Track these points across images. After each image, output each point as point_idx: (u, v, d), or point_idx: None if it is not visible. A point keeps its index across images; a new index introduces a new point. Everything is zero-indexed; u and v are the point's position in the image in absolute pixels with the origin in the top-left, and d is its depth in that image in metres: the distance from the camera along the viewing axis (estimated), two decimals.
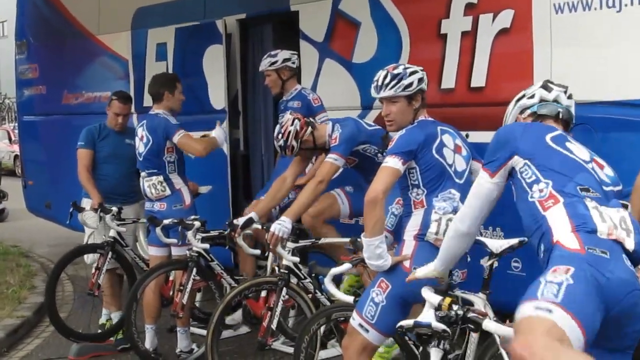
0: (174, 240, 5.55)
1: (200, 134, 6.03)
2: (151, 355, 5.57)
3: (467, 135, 4.25)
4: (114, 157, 6.17)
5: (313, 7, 6.23)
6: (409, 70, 3.87)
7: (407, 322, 2.81)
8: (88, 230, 6.20)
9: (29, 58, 9.98)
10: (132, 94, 7.16)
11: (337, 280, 4.64)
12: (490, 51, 5.00)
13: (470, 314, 2.82)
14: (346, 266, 3.94)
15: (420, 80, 3.88)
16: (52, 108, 9.37)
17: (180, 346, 5.64)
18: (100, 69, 8.69)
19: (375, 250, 3.61)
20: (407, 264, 3.64)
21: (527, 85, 3.40)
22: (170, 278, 5.82)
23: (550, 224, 2.69)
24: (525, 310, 2.35)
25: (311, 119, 5.19)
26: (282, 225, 4.72)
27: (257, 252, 5.30)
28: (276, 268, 4.99)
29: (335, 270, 3.99)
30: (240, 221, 5.03)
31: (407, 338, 3.92)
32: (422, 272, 3.37)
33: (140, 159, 5.71)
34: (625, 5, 4.35)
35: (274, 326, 4.72)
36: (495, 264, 3.80)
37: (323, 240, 5.09)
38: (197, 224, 5.34)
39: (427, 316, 2.80)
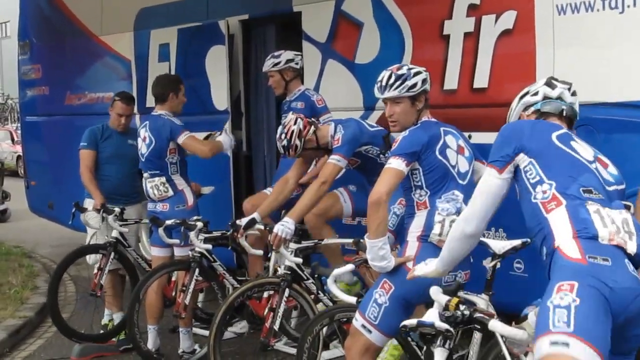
0: (177, 241, 5.55)
1: (203, 134, 6.05)
2: (153, 355, 5.58)
3: (469, 136, 4.24)
4: (117, 157, 6.18)
5: (316, 8, 6.23)
6: (412, 71, 3.87)
7: (411, 322, 2.80)
8: (90, 230, 6.20)
9: (32, 58, 9.99)
10: (134, 94, 7.16)
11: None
12: (492, 52, 5.00)
13: (477, 315, 2.82)
14: (349, 267, 3.94)
15: (424, 81, 3.89)
16: (55, 109, 9.38)
17: (183, 347, 5.65)
18: (102, 69, 8.69)
19: (378, 252, 3.61)
20: (410, 265, 3.63)
21: None
22: (173, 279, 5.82)
23: (552, 227, 2.69)
24: (542, 347, 2.37)
25: (313, 119, 5.19)
26: (285, 226, 4.73)
27: (260, 252, 5.30)
28: (278, 269, 5.00)
29: (338, 271, 3.98)
30: (242, 222, 5.03)
31: (409, 339, 3.92)
32: (421, 270, 3.33)
33: (143, 160, 5.71)
34: (628, 6, 4.35)
35: (276, 327, 4.72)
36: (498, 265, 3.80)
37: (326, 241, 5.09)
38: (199, 224, 5.34)
39: (430, 316, 2.80)
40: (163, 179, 5.61)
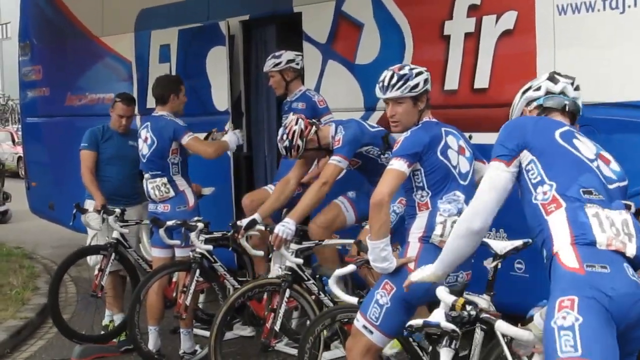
0: (177, 242, 5.55)
1: (204, 134, 6.04)
2: (154, 356, 5.58)
3: (470, 137, 4.23)
4: (117, 158, 6.18)
5: (316, 9, 6.23)
6: (415, 71, 3.86)
7: (417, 322, 2.79)
8: (91, 231, 6.20)
9: (33, 60, 9.99)
10: (135, 95, 7.17)
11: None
12: (493, 52, 5.00)
13: (483, 315, 2.82)
14: (350, 267, 3.94)
15: (426, 81, 3.88)
16: (56, 110, 9.39)
17: (184, 347, 5.65)
18: (103, 70, 8.70)
19: (380, 253, 3.61)
20: (411, 266, 3.63)
21: None
22: (174, 279, 5.82)
23: (551, 230, 2.69)
24: None
25: (314, 120, 5.19)
26: (286, 227, 4.73)
27: (261, 253, 5.30)
28: (279, 269, 5.00)
29: (339, 272, 3.98)
30: (243, 223, 5.03)
31: (411, 339, 3.92)
32: (417, 276, 3.26)
33: (144, 161, 5.71)
34: (629, 6, 4.35)
35: (277, 327, 4.72)
36: (499, 266, 3.80)
37: (326, 242, 5.09)
38: (200, 225, 5.34)
39: (437, 316, 2.80)
40: (164, 180, 5.60)
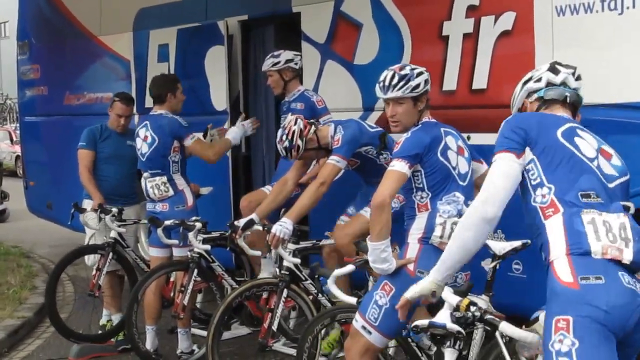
0: (175, 241, 5.55)
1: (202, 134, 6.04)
2: (152, 356, 5.57)
3: (468, 137, 4.24)
4: (115, 158, 6.17)
5: (315, 9, 6.22)
6: (415, 71, 3.86)
7: (422, 322, 2.79)
8: (89, 231, 6.20)
9: (31, 59, 9.99)
10: (133, 95, 7.16)
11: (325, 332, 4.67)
12: (492, 53, 5.00)
13: (487, 316, 2.81)
14: (349, 268, 3.94)
15: (427, 81, 3.88)
16: (54, 109, 9.38)
17: (181, 347, 5.64)
18: (102, 70, 8.69)
19: (380, 254, 3.60)
20: (411, 267, 3.64)
21: None
22: (171, 279, 5.82)
23: (548, 236, 2.69)
24: None
25: (313, 120, 5.18)
26: (283, 227, 4.72)
27: (258, 253, 5.30)
28: (276, 269, 5.00)
29: (338, 272, 3.98)
30: (241, 222, 5.02)
31: (410, 340, 3.92)
32: (412, 291, 3.02)
33: (144, 160, 5.70)
34: (627, 7, 4.35)
35: (274, 327, 4.72)
36: (498, 266, 3.80)
37: (324, 242, 5.08)
38: (198, 225, 5.34)
39: (442, 317, 2.79)
40: (164, 179, 5.60)
